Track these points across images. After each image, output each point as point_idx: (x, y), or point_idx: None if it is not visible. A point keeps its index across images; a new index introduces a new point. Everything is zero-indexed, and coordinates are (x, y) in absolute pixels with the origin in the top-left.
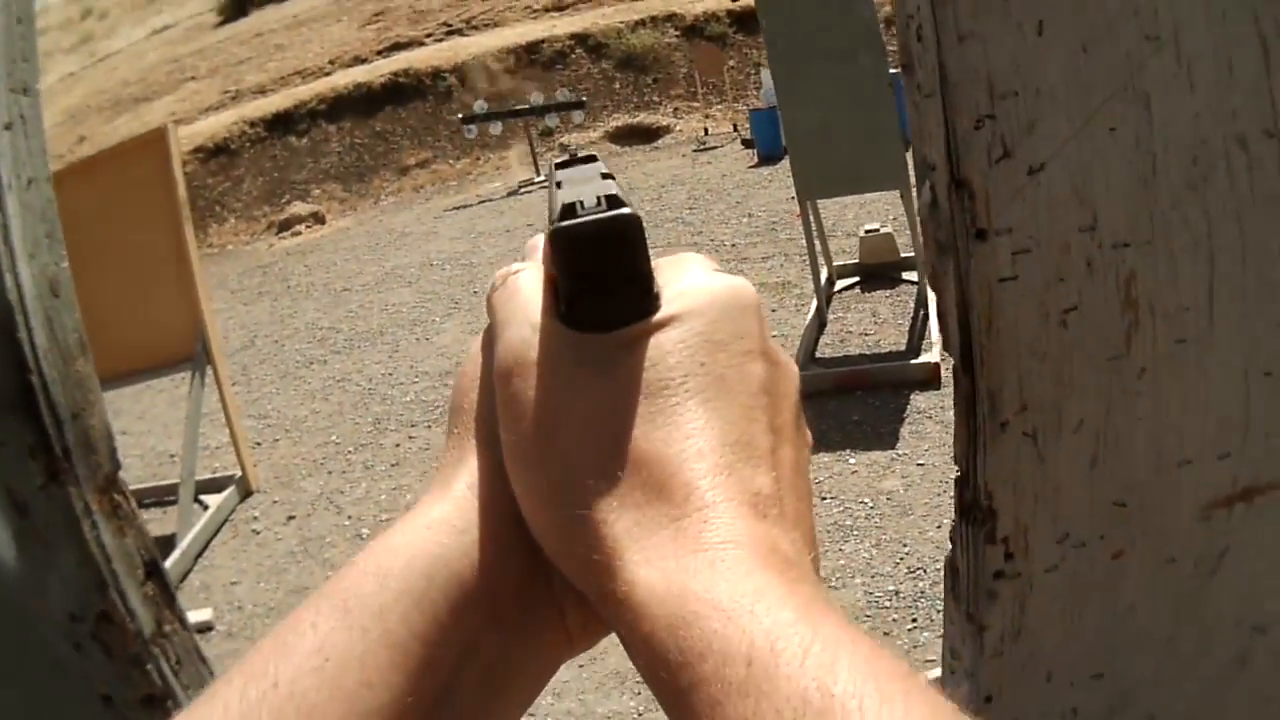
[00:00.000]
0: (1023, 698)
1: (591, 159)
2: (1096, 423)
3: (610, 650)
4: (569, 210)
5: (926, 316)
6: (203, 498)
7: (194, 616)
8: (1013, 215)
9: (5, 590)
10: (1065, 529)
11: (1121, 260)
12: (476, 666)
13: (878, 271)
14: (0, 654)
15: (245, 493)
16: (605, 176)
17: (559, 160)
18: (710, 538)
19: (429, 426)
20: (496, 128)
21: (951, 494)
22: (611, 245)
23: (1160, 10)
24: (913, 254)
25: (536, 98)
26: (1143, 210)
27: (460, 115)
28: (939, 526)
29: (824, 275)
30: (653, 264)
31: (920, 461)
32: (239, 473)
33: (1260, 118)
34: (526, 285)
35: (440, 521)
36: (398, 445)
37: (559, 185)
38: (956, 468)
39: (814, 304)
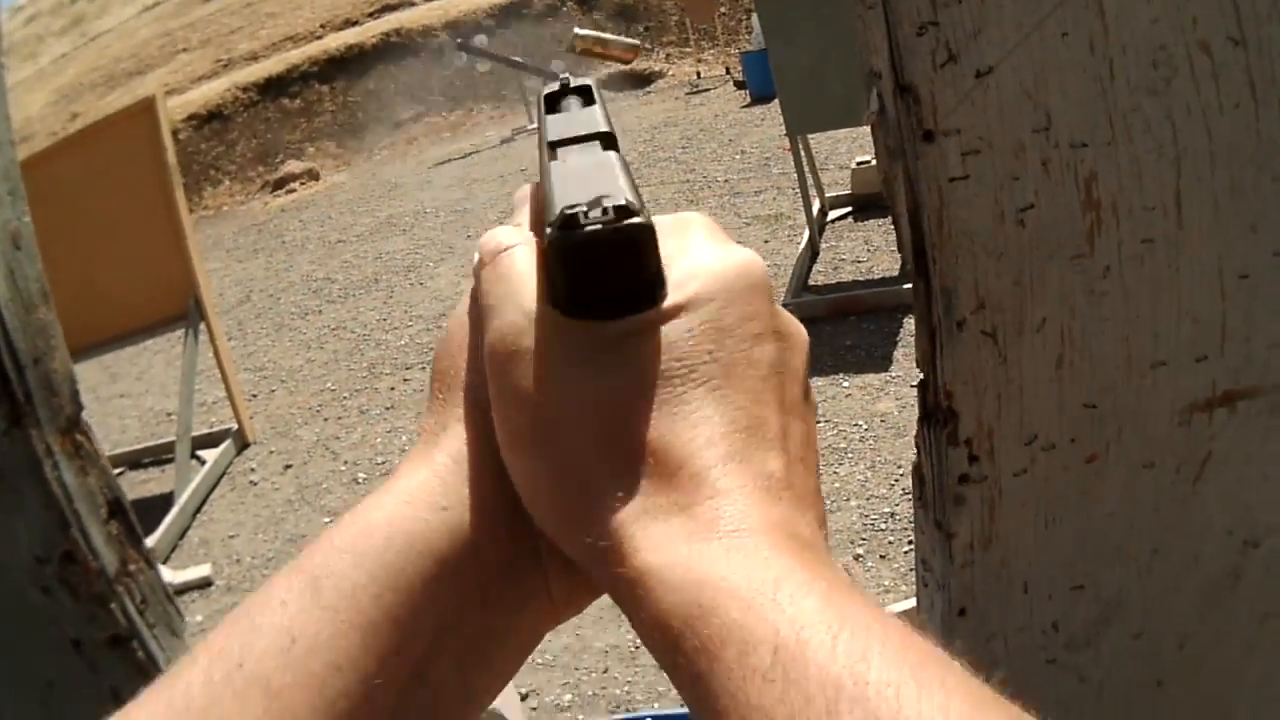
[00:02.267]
0: (998, 610)
1: (587, 94)
2: (1060, 322)
3: None
4: (571, 220)
5: None
6: (200, 453)
7: (193, 573)
8: (961, 117)
9: None
10: (1033, 431)
11: (1080, 160)
12: (455, 643)
13: (870, 201)
14: None
15: (242, 445)
16: (606, 142)
17: (549, 91)
18: (724, 525)
19: (423, 368)
20: (484, 65)
21: None
22: (620, 256)
23: None
24: None
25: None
26: (1101, 113)
27: (458, 41)
28: None
29: (816, 206)
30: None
31: (913, 383)
32: (235, 426)
33: (1224, 25)
34: (520, 266)
35: (420, 495)
36: (392, 389)
37: (552, 150)
38: (920, 372)
39: (806, 234)
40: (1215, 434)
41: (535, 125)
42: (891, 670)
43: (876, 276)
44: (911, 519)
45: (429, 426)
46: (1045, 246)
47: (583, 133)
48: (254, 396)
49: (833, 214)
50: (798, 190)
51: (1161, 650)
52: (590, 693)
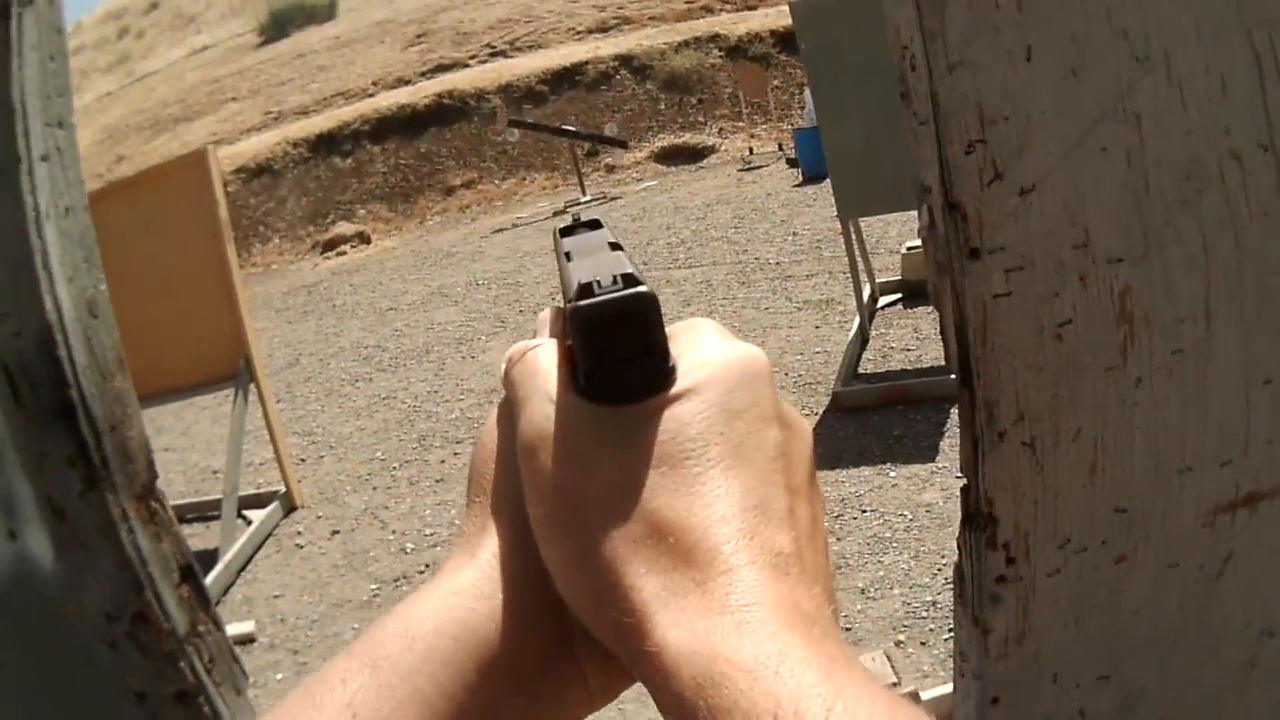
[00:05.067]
0: (1029, 699)
1: (596, 224)
2: (1094, 431)
3: None
4: (586, 289)
5: None
6: (246, 513)
7: (236, 629)
8: (1005, 235)
9: (44, 593)
10: (1066, 534)
11: (1115, 275)
12: None
13: (920, 288)
14: (38, 654)
15: (289, 508)
16: (614, 246)
17: (563, 227)
18: (735, 600)
19: (474, 443)
20: (513, 135)
21: None
22: (630, 323)
23: (1150, 33)
24: None
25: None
26: (1135, 226)
27: (510, 119)
28: None
29: (866, 292)
30: (668, 332)
31: (959, 474)
32: (283, 488)
33: (1255, 132)
34: (545, 360)
35: (467, 587)
36: (443, 461)
37: (568, 257)
38: (963, 477)
39: (856, 320)
40: (1237, 533)
41: (587, 199)
42: None
43: (925, 365)
44: (952, 608)
45: (468, 529)
46: (1082, 360)
47: (594, 244)
48: (302, 461)
49: (883, 300)
50: (849, 274)
51: None
52: None
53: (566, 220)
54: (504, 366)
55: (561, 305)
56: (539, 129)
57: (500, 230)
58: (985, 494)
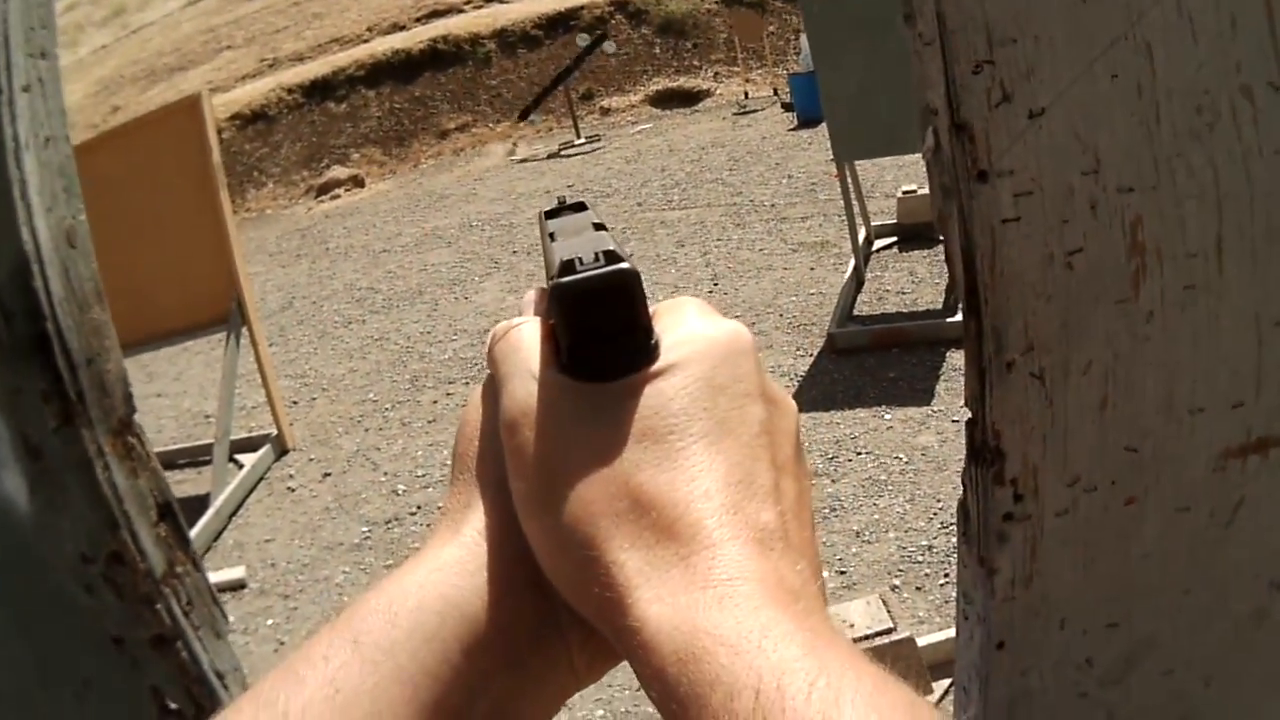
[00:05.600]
0: (1035, 644)
1: (581, 206)
2: (1105, 365)
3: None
4: (568, 266)
5: None
6: (238, 457)
7: (227, 574)
8: (1014, 158)
9: (20, 534)
10: (1076, 472)
11: (1126, 205)
12: (486, 703)
13: (915, 231)
14: (14, 600)
15: (281, 451)
16: (598, 227)
17: (548, 209)
18: (718, 574)
19: (466, 383)
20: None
21: None
22: (612, 299)
23: None
24: None
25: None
26: (1146, 156)
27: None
28: None
29: (862, 235)
30: (651, 311)
31: (955, 418)
32: (275, 431)
33: (1266, 71)
34: (528, 338)
35: (452, 564)
36: (435, 402)
37: (552, 237)
38: (969, 411)
39: (852, 263)
40: (1248, 480)
41: (581, 141)
42: (860, 715)
43: (921, 309)
44: (948, 553)
45: (452, 505)
46: (1092, 290)
47: (579, 225)
48: (294, 403)
49: (878, 243)
50: (844, 218)
51: (1189, 688)
52: (623, 710)
53: (587, 199)
54: (488, 344)
55: (546, 284)
56: (542, 98)
57: (493, 172)
58: (993, 426)
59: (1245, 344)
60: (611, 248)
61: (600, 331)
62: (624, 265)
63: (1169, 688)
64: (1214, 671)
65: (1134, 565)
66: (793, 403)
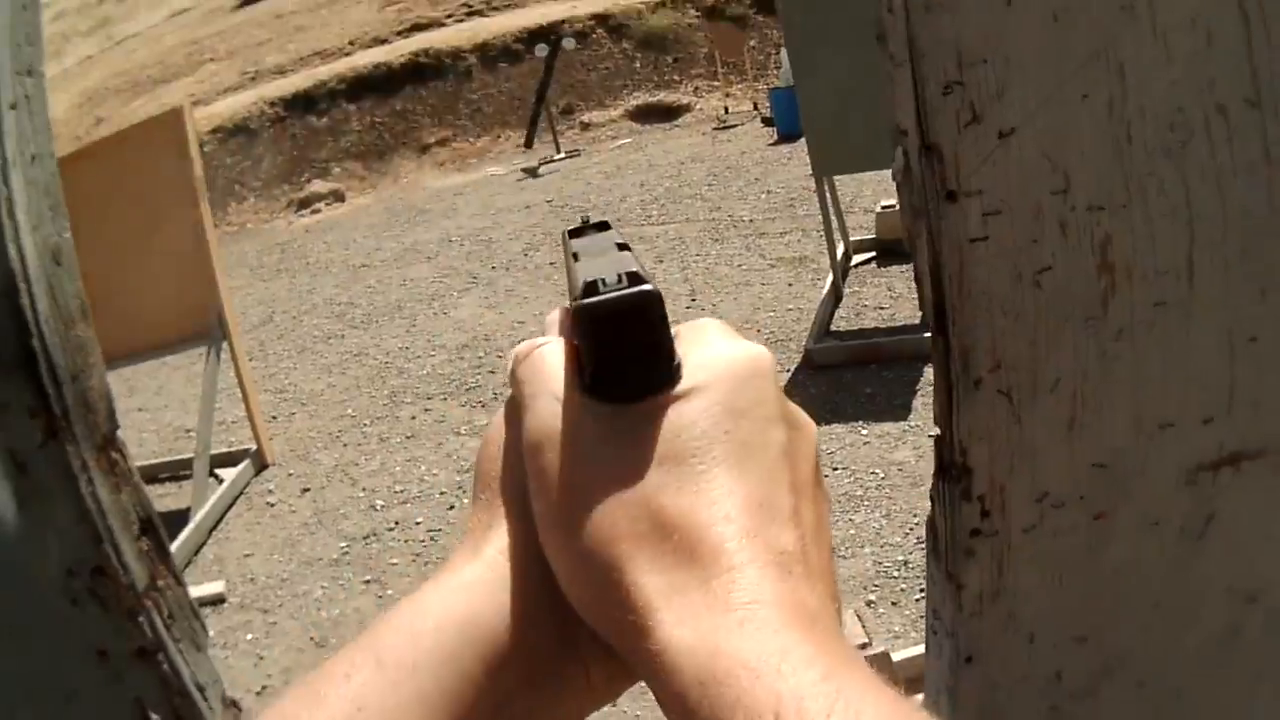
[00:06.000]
0: (1004, 659)
1: (604, 225)
2: (1074, 383)
3: None
4: (591, 287)
5: None
6: (218, 471)
7: (207, 589)
8: (983, 178)
9: (5, 548)
10: (1043, 488)
11: (1096, 223)
12: None
13: (894, 247)
14: (1, 612)
15: (260, 466)
16: (621, 247)
17: (572, 228)
18: (739, 598)
19: (444, 399)
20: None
21: None
22: (634, 320)
23: None
24: None
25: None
26: (1118, 175)
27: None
28: None
29: (840, 250)
30: (673, 332)
31: (932, 433)
32: (254, 446)
33: (1241, 87)
34: (551, 358)
35: (474, 583)
36: (413, 418)
37: (575, 257)
38: (937, 428)
39: (830, 278)
40: (1219, 493)
41: (561, 156)
42: None
43: (898, 324)
44: (923, 568)
45: (474, 525)
46: (1061, 309)
47: (602, 245)
48: (274, 418)
49: (856, 258)
50: (822, 233)
51: (1161, 702)
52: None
53: (565, 214)
54: (510, 364)
55: (569, 305)
56: (539, 114)
57: (473, 188)
58: (960, 444)
59: (1217, 360)
60: (635, 269)
61: (623, 353)
62: (647, 287)
63: (1140, 701)
64: (1186, 685)
65: (1104, 580)
66: (813, 425)
